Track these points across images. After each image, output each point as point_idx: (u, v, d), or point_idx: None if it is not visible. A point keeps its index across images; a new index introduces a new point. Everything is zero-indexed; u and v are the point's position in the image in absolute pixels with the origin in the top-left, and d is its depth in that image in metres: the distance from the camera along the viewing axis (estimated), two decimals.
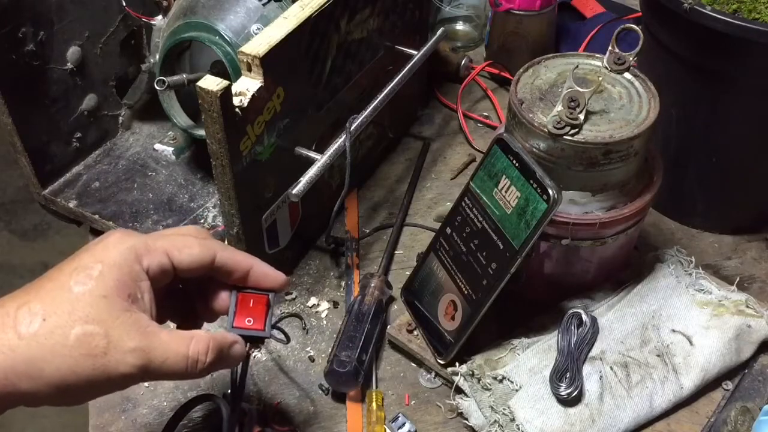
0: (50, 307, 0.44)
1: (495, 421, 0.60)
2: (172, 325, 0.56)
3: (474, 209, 0.62)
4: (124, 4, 0.80)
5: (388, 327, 0.69)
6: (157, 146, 0.86)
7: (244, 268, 0.53)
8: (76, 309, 0.44)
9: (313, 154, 0.66)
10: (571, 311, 0.64)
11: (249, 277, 0.53)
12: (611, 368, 0.61)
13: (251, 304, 0.53)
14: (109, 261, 0.46)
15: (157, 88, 0.72)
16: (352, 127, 0.68)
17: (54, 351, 0.43)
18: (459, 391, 0.63)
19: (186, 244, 0.50)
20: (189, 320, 0.56)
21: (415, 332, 0.67)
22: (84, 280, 0.45)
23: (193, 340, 0.48)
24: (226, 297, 0.54)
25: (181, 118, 0.77)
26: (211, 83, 0.54)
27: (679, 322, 0.65)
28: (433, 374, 0.67)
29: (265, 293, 0.54)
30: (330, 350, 0.66)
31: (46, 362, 0.43)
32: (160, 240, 0.50)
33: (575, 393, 0.59)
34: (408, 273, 0.71)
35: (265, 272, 0.54)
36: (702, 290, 0.67)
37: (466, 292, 0.62)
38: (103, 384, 0.45)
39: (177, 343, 0.47)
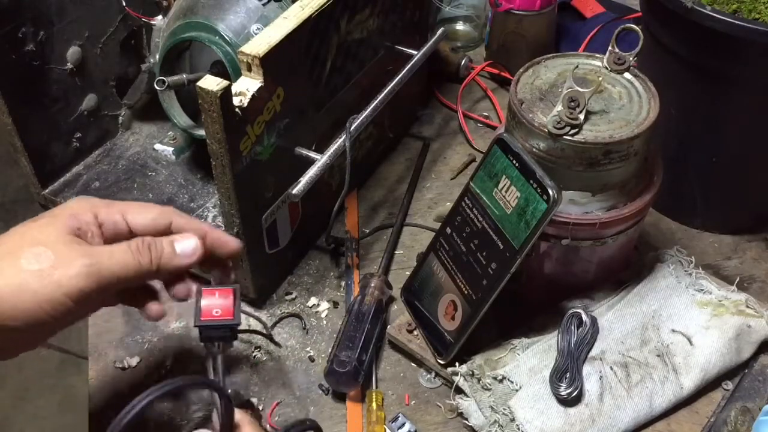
0: (2, 239, 0.48)
1: (495, 421, 0.60)
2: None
3: (474, 209, 0.62)
4: (124, 4, 0.80)
5: (388, 327, 0.69)
6: (157, 146, 0.86)
7: (199, 233, 0.54)
8: (24, 237, 0.48)
9: (313, 154, 0.66)
10: (571, 311, 0.64)
11: (206, 242, 0.54)
12: (611, 368, 0.61)
13: (216, 296, 0.53)
14: (65, 207, 0.51)
15: (157, 88, 0.72)
16: (352, 127, 0.68)
17: (3, 271, 0.45)
18: (459, 391, 0.63)
19: (145, 207, 0.54)
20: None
21: (415, 332, 0.67)
22: (35, 219, 0.49)
23: (131, 240, 0.51)
24: (183, 287, 0.55)
25: (181, 118, 0.77)
26: (211, 83, 0.54)
27: (679, 322, 0.65)
28: (433, 374, 0.67)
29: (230, 286, 0.54)
30: (330, 350, 0.66)
31: None
32: (122, 203, 0.53)
33: (575, 393, 0.59)
34: (408, 273, 0.71)
35: (219, 237, 0.55)
36: (702, 290, 0.67)
37: (466, 292, 0.62)
38: (58, 298, 0.46)
39: (118, 245, 0.50)
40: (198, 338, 0.52)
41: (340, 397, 0.65)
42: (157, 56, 0.75)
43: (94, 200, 0.52)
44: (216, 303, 0.52)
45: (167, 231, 0.53)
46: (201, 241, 0.53)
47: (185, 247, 0.53)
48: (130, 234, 0.52)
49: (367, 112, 0.71)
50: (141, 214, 0.53)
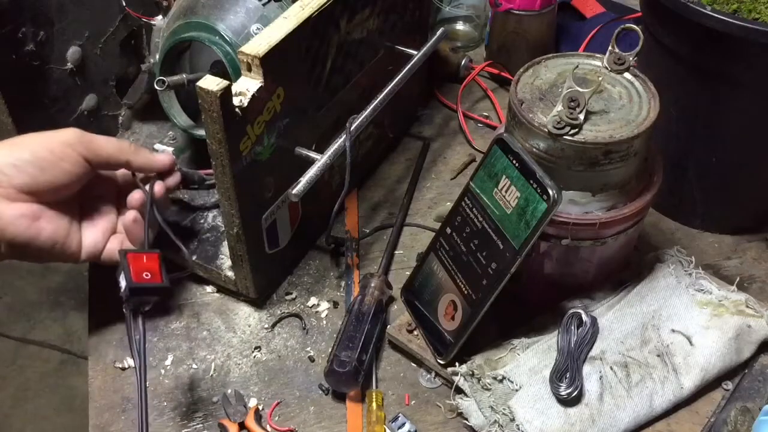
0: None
1: (495, 421, 0.60)
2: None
3: (474, 209, 0.62)
4: (124, 4, 0.80)
5: (388, 327, 0.69)
6: (157, 146, 0.86)
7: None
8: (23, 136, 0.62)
9: (313, 154, 0.66)
10: (571, 311, 0.64)
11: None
12: (611, 368, 0.61)
13: (144, 260, 0.58)
14: None
15: (157, 88, 0.72)
16: (352, 127, 0.68)
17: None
18: (459, 391, 0.63)
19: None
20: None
21: (415, 332, 0.67)
22: None
23: None
24: (138, 194, 0.66)
25: (181, 118, 0.77)
26: (211, 83, 0.54)
27: (679, 322, 0.65)
28: (433, 374, 0.67)
29: (155, 251, 0.60)
30: (330, 350, 0.66)
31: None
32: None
33: (575, 393, 0.59)
34: (408, 273, 0.71)
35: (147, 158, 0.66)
36: (702, 290, 0.67)
37: (466, 292, 0.62)
38: (55, 142, 0.60)
39: None
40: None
41: (340, 397, 0.65)
42: (157, 56, 0.75)
43: None
44: (144, 266, 0.57)
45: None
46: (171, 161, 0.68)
47: (160, 154, 0.67)
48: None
49: (367, 112, 0.71)
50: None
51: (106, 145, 0.63)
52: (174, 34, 0.72)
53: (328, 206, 0.71)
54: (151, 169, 0.66)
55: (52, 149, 0.59)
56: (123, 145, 0.64)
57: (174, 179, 0.69)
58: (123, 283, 0.57)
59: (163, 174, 0.68)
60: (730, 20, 0.61)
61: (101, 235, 0.66)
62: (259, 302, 0.73)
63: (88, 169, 0.62)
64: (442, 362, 0.64)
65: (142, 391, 0.56)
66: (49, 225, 0.61)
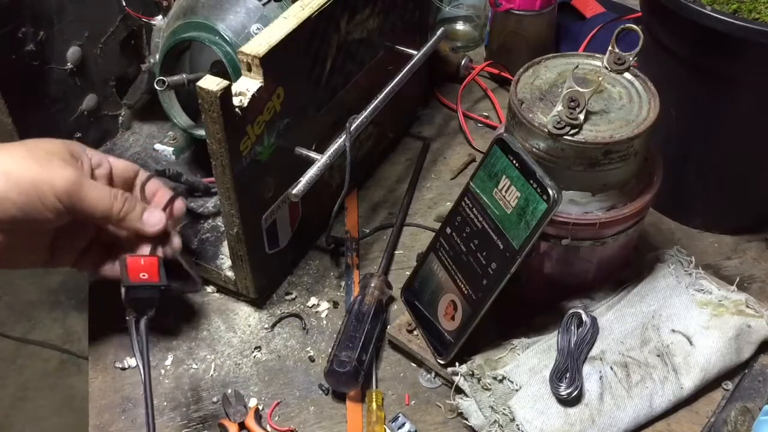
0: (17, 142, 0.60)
1: (495, 421, 0.60)
2: None
3: (474, 209, 0.62)
4: (124, 4, 0.80)
5: (388, 327, 0.69)
6: (157, 146, 0.86)
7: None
8: (37, 142, 0.59)
9: (313, 154, 0.66)
10: (571, 311, 0.64)
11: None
12: (611, 368, 0.61)
13: (142, 263, 0.59)
14: (61, 140, 0.61)
15: (157, 88, 0.72)
16: (352, 127, 0.68)
17: (5, 151, 0.57)
18: (459, 391, 0.63)
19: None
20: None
21: (415, 332, 0.67)
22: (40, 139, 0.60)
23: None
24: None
25: (181, 118, 0.77)
26: (211, 83, 0.54)
27: (679, 322, 0.65)
28: (433, 374, 0.67)
29: (154, 255, 0.61)
30: (330, 350, 0.66)
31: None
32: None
33: (575, 393, 0.59)
34: (408, 273, 0.71)
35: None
36: (702, 290, 0.67)
37: (466, 292, 0.62)
38: (44, 185, 0.56)
39: (102, 184, 0.61)
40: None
41: (340, 397, 0.65)
42: (157, 56, 0.75)
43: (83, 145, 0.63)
44: (142, 268, 0.59)
45: (134, 178, 0.65)
46: (167, 217, 0.63)
47: (151, 216, 0.62)
48: (110, 175, 0.63)
49: (367, 112, 0.71)
50: (118, 160, 0.65)
51: (95, 206, 0.58)
52: (174, 34, 0.72)
53: (328, 206, 0.71)
54: (140, 234, 0.62)
55: (44, 199, 0.56)
56: (113, 210, 0.60)
57: (175, 243, 0.64)
58: (124, 289, 0.58)
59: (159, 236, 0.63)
60: (730, 20, 0.61)
61: (76, 252, 0.64)
62: (259, 302, 0.73)
63: (69, 219, 0.59)
64: (442, 362, 0.64)
65: (148, 398, 0.55)
66: (23, 256, 0.61)
